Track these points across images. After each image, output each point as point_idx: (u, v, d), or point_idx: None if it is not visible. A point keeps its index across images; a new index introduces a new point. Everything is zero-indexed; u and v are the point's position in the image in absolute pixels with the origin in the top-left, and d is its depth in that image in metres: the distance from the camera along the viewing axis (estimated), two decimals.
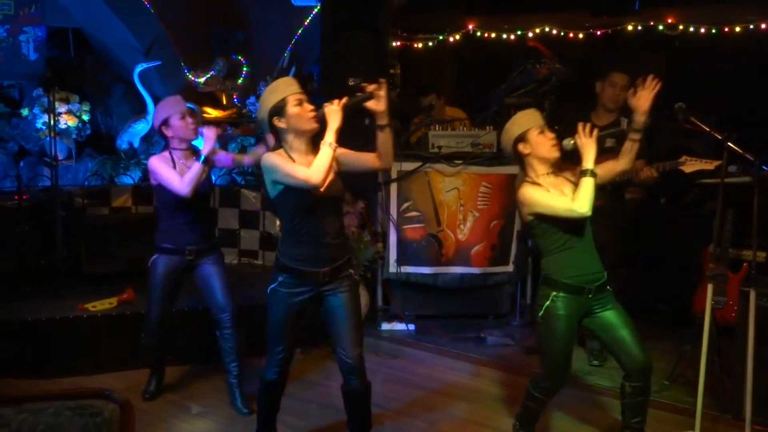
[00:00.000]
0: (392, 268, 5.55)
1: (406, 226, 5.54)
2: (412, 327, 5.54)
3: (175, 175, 3.90)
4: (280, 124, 3.16)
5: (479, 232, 5.54)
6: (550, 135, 3.30)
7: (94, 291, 5.14)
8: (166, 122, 3.99)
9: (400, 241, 5.54)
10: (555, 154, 3.28)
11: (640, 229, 5.19)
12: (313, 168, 3.02)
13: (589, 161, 3.15)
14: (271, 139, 3.63)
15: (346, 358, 3.29)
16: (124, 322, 4.79)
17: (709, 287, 3.67)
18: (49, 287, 5.21)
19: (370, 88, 3.14)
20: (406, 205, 5.53)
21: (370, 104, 3.13)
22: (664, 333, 5.07)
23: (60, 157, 6.24)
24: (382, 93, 3.13)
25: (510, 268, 5.61)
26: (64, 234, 5.25)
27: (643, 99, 3.30)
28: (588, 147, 3.17)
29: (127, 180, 6.57)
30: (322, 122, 3.12)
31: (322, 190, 3.06)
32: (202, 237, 4.15)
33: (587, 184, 3.11)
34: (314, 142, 3.21)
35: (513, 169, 5.34)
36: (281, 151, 3.19)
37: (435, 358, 5.12)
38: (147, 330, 4.23)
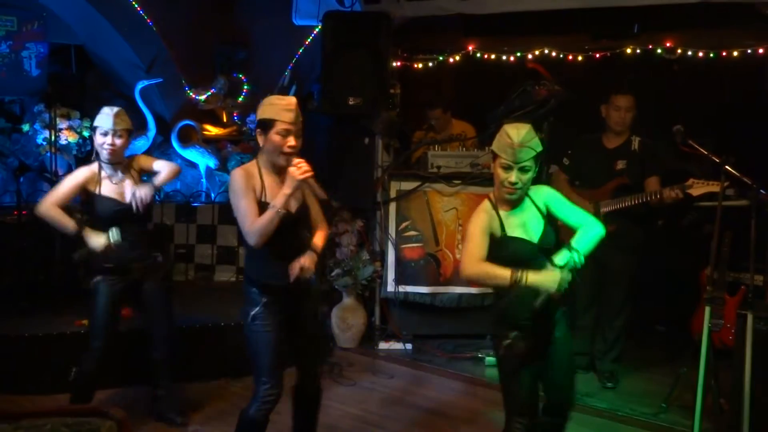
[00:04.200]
0: (390, 287, 5.55)
1: (404, 246, 5.55)
2: (409, 346, 5.53)
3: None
4: (259, 138, 3.11)
5: None
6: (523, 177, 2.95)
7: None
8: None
9: (399, 261, 5.54)
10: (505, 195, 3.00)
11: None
12: (255, 227, 2.97)
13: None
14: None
15: (306, 367, 3.40)
16: (121, 338, 4.76)
17: (707, 310, 3.68)
18: (47, 303, 5.21)
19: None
20: (404, 224, 5.54)
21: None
22: (662, 355, 5.07)
23: (60, 172, 6.23)
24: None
25: None
26: (62, 250, 5.25)
27: None
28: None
29: None
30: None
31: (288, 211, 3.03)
32: (139, 253, 3.99)
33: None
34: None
35: None
36: (254, 163, 3.14)
37: (432, 378, 5.12)
38: (88, 353, 3.95)
